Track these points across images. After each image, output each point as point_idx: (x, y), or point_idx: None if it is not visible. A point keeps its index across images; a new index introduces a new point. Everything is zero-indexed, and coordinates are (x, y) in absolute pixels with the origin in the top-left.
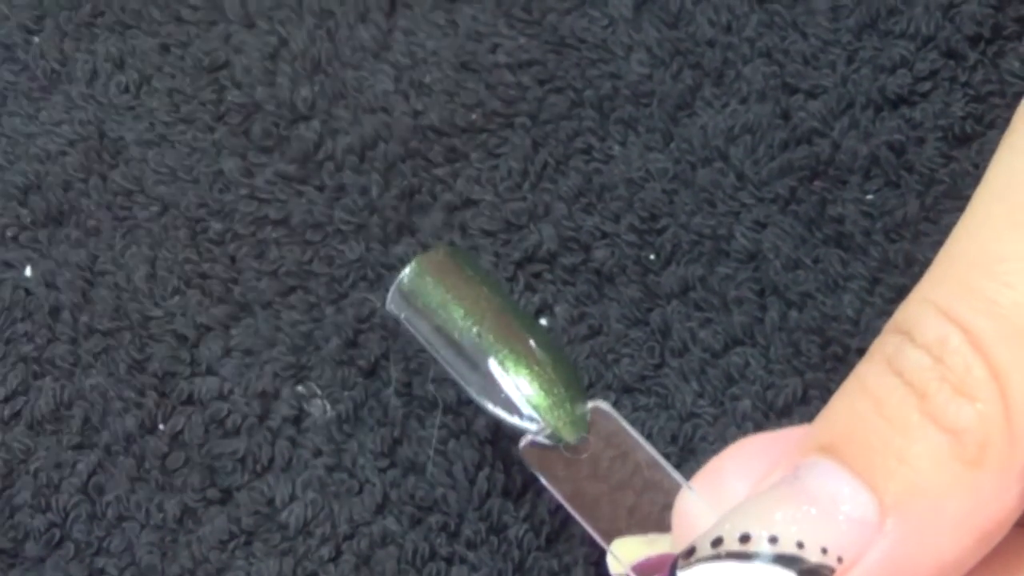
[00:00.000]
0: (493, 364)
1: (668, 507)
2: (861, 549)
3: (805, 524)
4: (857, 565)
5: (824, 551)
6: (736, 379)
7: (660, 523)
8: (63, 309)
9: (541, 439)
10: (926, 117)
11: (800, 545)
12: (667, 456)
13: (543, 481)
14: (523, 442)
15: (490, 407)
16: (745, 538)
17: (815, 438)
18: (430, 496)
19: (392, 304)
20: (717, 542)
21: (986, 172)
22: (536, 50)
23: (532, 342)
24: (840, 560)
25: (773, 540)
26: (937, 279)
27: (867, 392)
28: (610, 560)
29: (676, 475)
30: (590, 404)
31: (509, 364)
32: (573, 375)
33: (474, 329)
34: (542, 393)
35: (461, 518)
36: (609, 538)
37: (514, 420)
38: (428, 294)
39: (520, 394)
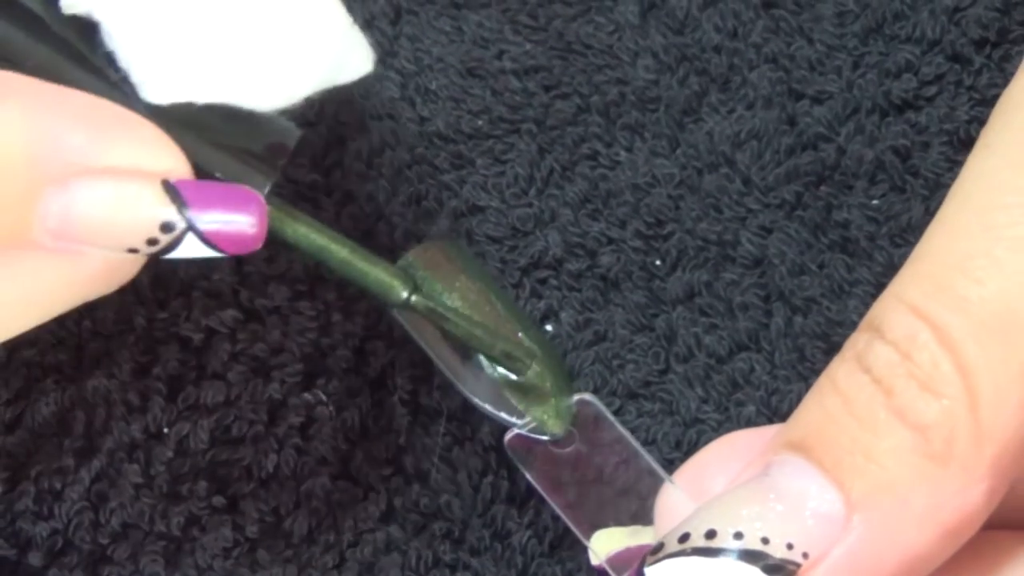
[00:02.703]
0: (481, 356)
1: (651, 500)
2: (827, 545)
3: (771, 520)
4: (823, 561)
5: (790, 547)
6: (741, 384)
7: (643, 516)
8: (67, 315)
9: (527, 432)
10: (931, 121)
11: (765, 541)
12: (672, 462)
13: (527, 474)
14: (509, 435)
15: (477, 400)
16: (711, 534)
17: (786, 436)
18: (434, 503)
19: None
20: (684, 538)
21: (961, 171)
22: (542, 56)
23: (521, 336)
24: (806, 556)
25: (738, 536)
26: (908, 277)
27: (836, 389)
28: (591, 552)
29: (659, 469)
30: (576, 397)
31: (497, 356)
32: (561, 369)
33: (464, 322)
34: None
35: (465, 525)
36: (592, 530)
37: (500, 413)
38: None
39: (507, 386)
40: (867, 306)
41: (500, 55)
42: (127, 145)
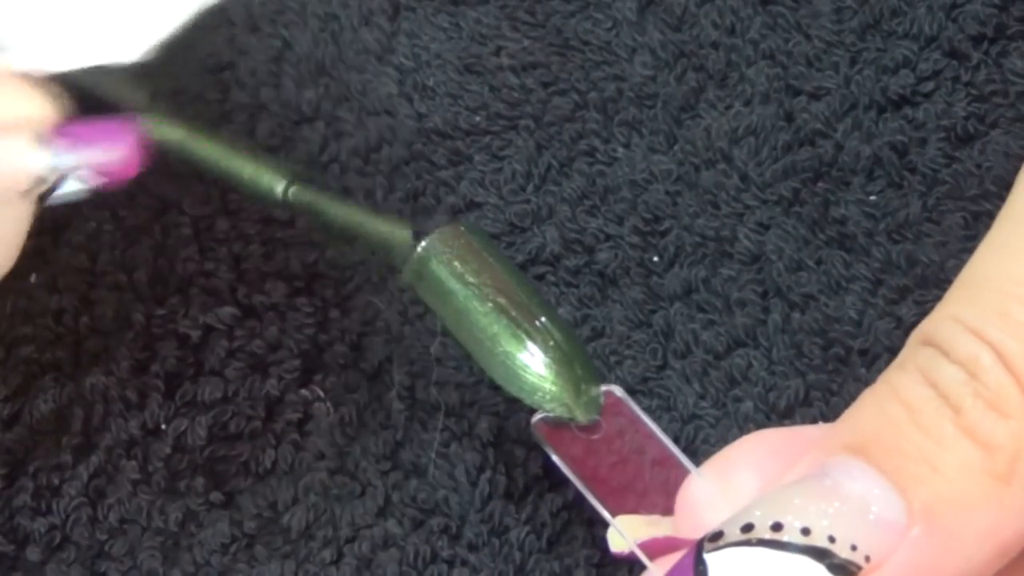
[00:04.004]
0: (508, 341)
1: (673, 492)
2: (888, 551)
3: (837, 519)
4: (883, 566)
5: (854, 548)
6: (738, 381)
7: (663, 506)
8: (65, 312)
9: (553, 416)
10: (929, 117)
11: (832, 539)
12: None
13: (552, 456)
14: (535, 418)
15: (504, 384)
16: (777, 527)
17: (842, 438)
18: (432, 499)
19: (408, 276)
20: (747, 528)
21: (1011, 191)
22: (540, 52)
23: (546, 321)
24: (867, 559)
25: (805, 531)
26: (964, 299)
27: (900, 399)
28: (611, 535)
29: (686, 461)
30: (603, 387)
31: (524, 342)
32: (585, 357)
33: (489, 306)
34: (556, 372)
35: (463, 520)
36: (612, 516)
37: (527, 397)
38: (443, 270)
39: (535, 371)
40: (864, 302)
41: (498, 51)
42: None
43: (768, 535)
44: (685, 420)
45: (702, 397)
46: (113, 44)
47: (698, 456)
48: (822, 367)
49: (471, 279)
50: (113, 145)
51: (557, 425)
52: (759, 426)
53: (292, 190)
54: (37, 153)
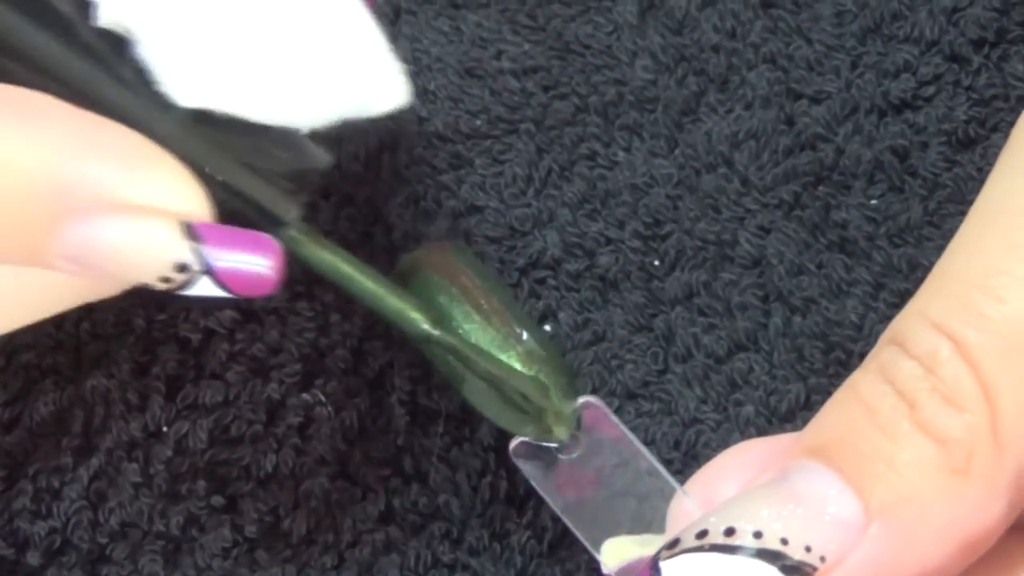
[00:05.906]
0: (484, 360)
1: (658, 504)
2: (844, 550)
3: (790, 522)
4: (840, 566)
5: (808, 549)
6: (740, 385)
7: (651, 521)
8: (66, 318)
9: (532, 439)
10: (930, 121)
11: (784, 542)
12: (670, 462)
13: (532, 483)
14: (514, 442)
15: (477, 405)
16: (730, 531)
17: (805, 441)
18: (433, 503)
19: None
20: (702, 534)
21: (983, 189)
22: (541, 56)
23: (525, 339)
24: (823, 559)
25: (757, 535)
26: (931, 293)
27: (859, 399)
28: (604, 556)
29: (666, 473)
30: (581, 400)
31: (500, 360)
32: (565, 373)
33: (467, 325)
34: (531, 390)
35: (464, 525)
36: (599, 536)
37: (501, 420)
38: (423, 288)
39: (507, 401)
40: (865, 306)
41: (499, 55)
42: (151, 182)
43: (720, 540)
44: (686, 424)
45: (703, 401)
46: (280, 105)
47: (700, 460)
48: (823, 371)
49: (451, 296)
50: (257, 256)
51: (536, 447)
52: (760, 430)
53: (438, 333)
54: (179, 245)
